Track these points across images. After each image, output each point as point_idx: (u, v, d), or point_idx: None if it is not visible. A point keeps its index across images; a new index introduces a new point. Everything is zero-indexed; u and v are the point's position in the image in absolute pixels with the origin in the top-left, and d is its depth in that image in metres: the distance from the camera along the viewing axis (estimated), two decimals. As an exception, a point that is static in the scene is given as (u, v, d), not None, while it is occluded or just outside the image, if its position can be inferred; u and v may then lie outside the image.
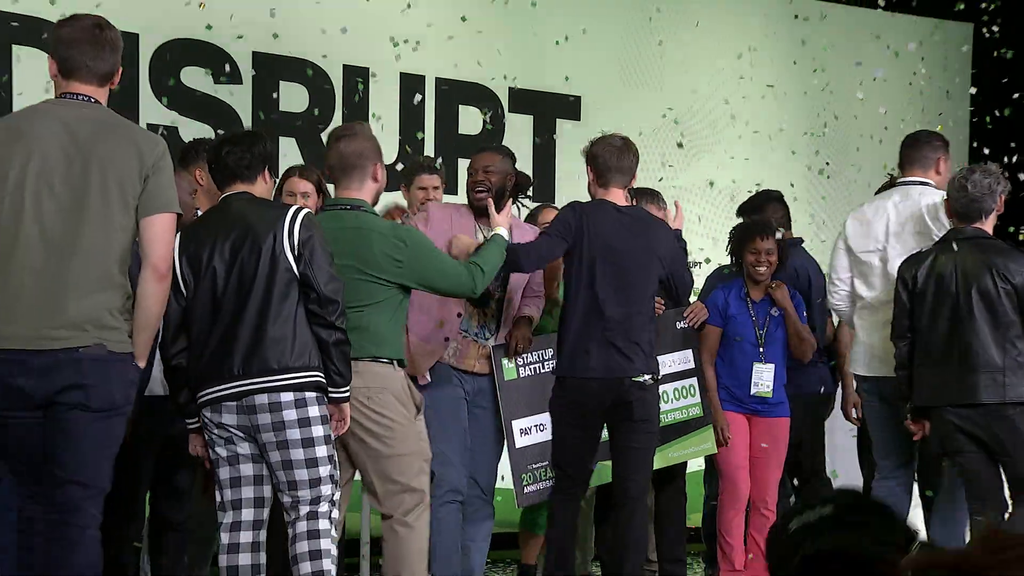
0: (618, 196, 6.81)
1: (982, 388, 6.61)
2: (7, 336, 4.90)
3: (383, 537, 6.19)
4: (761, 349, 7.46)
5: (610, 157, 6.82)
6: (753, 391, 7.45)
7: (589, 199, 6.93)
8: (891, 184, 7.81)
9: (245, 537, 5.72)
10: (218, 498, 5.77)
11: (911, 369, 6.76)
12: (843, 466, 8.62)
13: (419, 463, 6.09)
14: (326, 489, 5.65)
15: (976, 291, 6.59)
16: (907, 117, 11.14)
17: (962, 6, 10.37)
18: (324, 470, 5.62)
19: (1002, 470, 6.70)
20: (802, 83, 11.42)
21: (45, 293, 4.90)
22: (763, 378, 7.44)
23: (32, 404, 4.93)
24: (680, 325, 7.32)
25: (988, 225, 6.73)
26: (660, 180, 9.40)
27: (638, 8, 10.77)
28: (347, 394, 5.71)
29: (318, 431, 5.60)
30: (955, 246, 6.66)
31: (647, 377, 6.64)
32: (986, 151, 10.29)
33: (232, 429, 5.61)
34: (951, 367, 6.68)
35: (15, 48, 8.57)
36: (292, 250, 5.53)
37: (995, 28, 10.48)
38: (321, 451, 5.59)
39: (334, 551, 5.72)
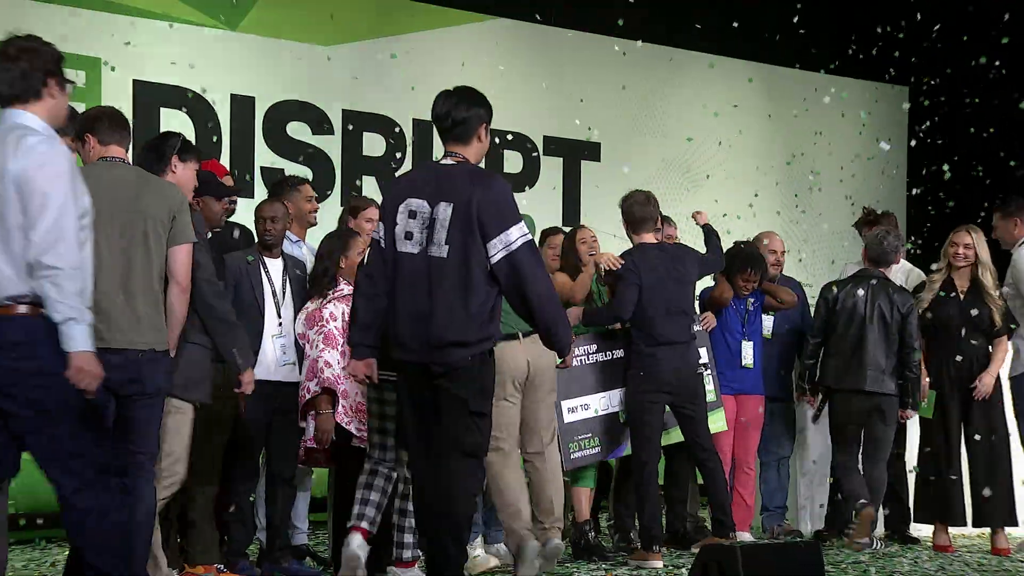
0: (650, 238, 6.93)
1: (869, 380, 7.26)
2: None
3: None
4: (744, 329, 7.45)
5: (639, 210, 6.91)
6: (742, 363, 7.38)
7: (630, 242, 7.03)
8: (868, 215, 8.15)
9: None
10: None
11: (817, 360, 7.48)
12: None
13: None
14: None
15: (877, 314, 7.27)
16: (857, 162, 11.50)
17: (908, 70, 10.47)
18: None
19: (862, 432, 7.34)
20: (775, 132, 11.58)
21: None
22: (746, 353, 7.41)
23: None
24: (696, 328, 7.17)
25: (891, 272, 7.50)
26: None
27: (644, 75, 10.81)
28: None
29: None
30: (872, 281, 7.36)
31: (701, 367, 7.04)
32: (915, 191, 10.55)
33: None
34: (852, 362, 7.32)
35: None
36: None
37: (933, 83, 10.61)
38: None
39: None
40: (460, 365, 4.82)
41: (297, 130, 9.33)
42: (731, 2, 11.14)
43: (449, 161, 5.01)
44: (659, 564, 6.53)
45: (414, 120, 9.66)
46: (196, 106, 8.76)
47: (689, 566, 5.25)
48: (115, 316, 4.69)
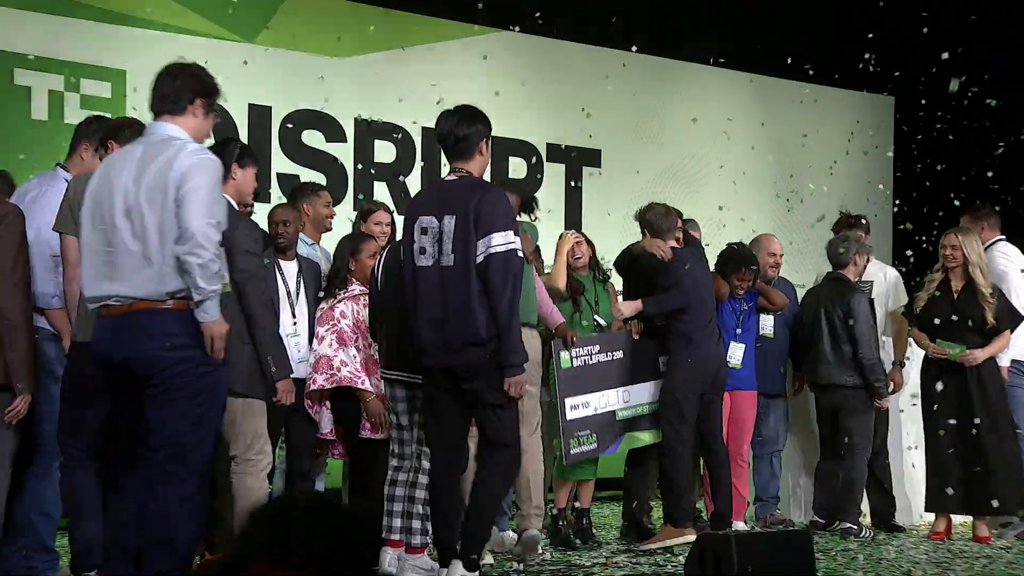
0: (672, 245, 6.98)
1: (823, 373, 7.54)
2: None
3: None
4: (738, 331, 7.42)
5: (660, 221, 6.95)
6: (728, 364, 7.30)
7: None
8: (845, 218, 8.19)
9: None
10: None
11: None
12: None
13: None
14: None
15: (824, 312, 7.51)
16: (847, 169, 11.53)
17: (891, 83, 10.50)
18: None
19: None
20: (769, 139, 11.53)
21: None
22: (735, 354, 7.38)
23: None
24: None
25: (848, 272, 7.63)
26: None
27: (644, 85, 10.84)
28: None
29: None
30: (826, 280, 7.68)
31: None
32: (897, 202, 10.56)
33: None
34: (810, 357, 7.63)
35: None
36: None
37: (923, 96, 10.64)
38: None
39: None
40: (478, 363, 5.00)
41: (312, 138, 9.36)
42: (727, 16, 11.22)
43: (453, 176, 5.17)
44: (692, 537, 6.47)
45: (423, 129, 9.67)
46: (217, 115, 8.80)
47: (686, 554, 5.29)
48: None
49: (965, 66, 10.33)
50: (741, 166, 11.37)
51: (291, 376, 5.57)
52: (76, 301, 4.97)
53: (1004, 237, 7.94)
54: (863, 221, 8.22)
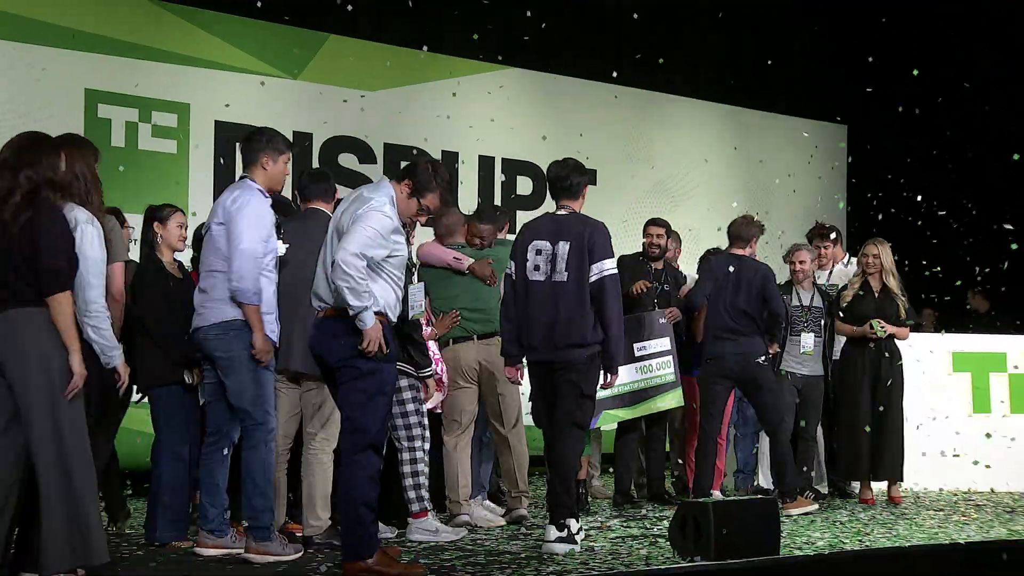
0: (741, 250, 7.07)
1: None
2: None
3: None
4: None
5: (739, 229, 7.07)
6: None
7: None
8: (820, 228, 8.13)
9: None
10: None
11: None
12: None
13: None
14: None
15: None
16: (806, 186, 11.54)
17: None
18: None
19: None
20: (739, 161, 11.55)
21: None
22: None
23: None
24: (661, 321, 7.08)
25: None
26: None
27: (633, 114, 10.83)
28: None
29: None
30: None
31: (763, 358, 6.93)
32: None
33: None
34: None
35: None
36: None
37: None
38: None
39: None
40: (577, 361, 5.31)
41: (347, 160, 9.37)
42: (705, 56, 11.28)
43: (563, 212, 5.50)
44: (814, 507, 6.76)
45: (443, 151, 9.65)
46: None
47: (670, 519, 5.31)
48: None
49: (912, 94, 10.40)
50: (717, 184, 11.34)
51: None
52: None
53: None
54: (835, 231, 8.21)
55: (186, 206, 7.30)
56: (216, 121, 8.56)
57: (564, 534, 5.23)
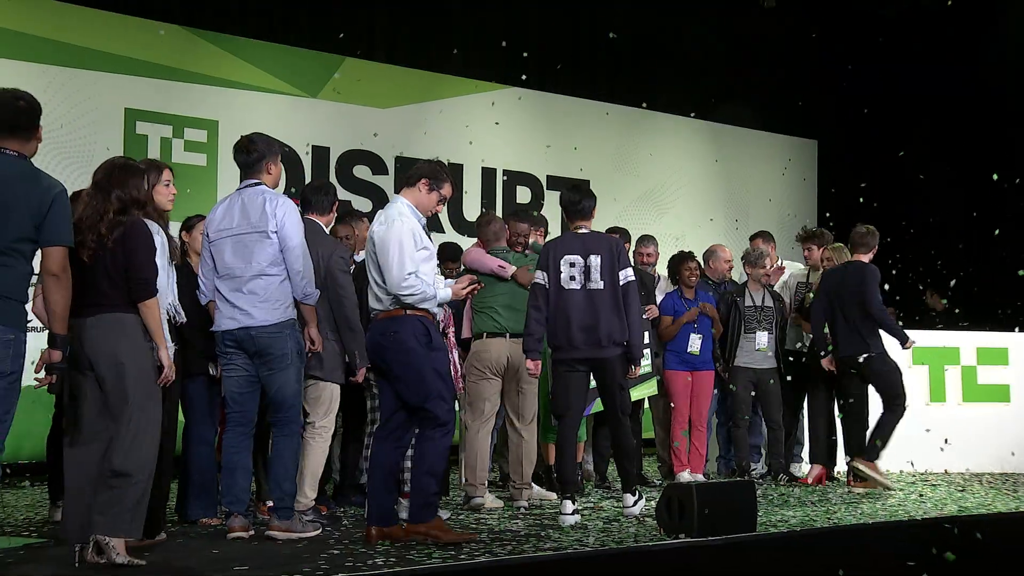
0: (859, 256, 7.18)
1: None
2: None
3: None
4: (695, 326, 7.29)
5: (858, 239, 7.19)
6: (688, 350, 7.29)
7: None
8: (807, 234, 7.90)
9: None
10: None
11: None
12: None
13: None
14: None
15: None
16: (781, 195, 11.56)
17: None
18: None
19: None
20: (720, 173, 11.54)
21: None
22: (694, 343, 7.29)
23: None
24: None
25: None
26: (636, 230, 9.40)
27: (623, 130, 10.83)
28: None
29: None
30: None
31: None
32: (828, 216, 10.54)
33: None
34: None
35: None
36: None
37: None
38: None
39: None
40: (615, 357, 5.62)
41: (361, 172, 9.36)
42: (688, 77, 11.29)
43: (583, 231, 5.77)
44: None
45: (449, 163, 9.53)
46: (287, 155, 8.77)
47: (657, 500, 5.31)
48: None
49: (875, 114, 10.43)
50: (699, 194, 11.34)
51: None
52: None
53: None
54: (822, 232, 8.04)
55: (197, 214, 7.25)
56: (243, 136, 8.54)
57: (637, 497, 5.69)
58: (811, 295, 7.51)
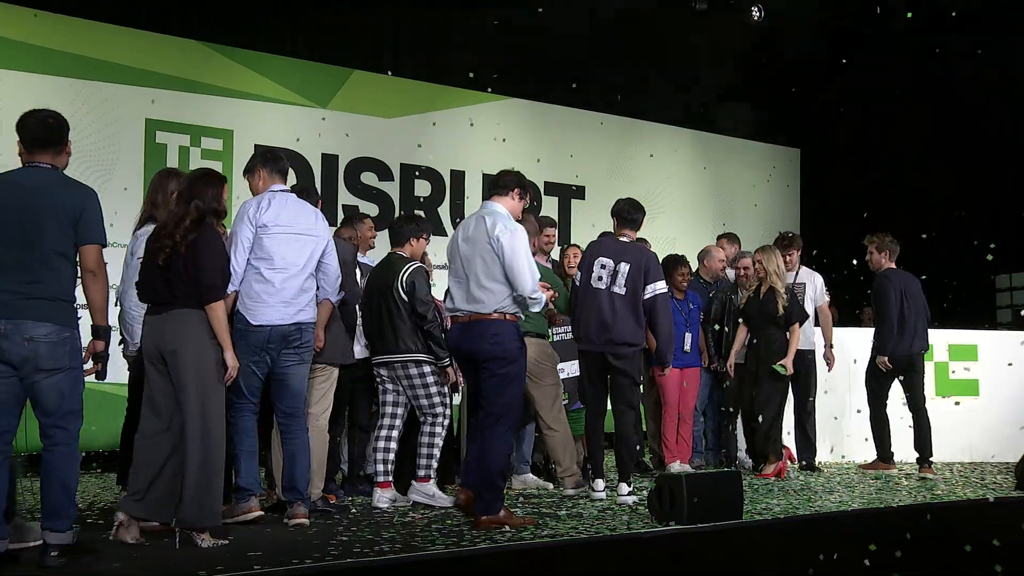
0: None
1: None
2: None
3: None
4: (687, 324, 7.30)
5: (883, 246, 7.45)
6: (683, 349, 7.25)
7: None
8: (783, 238, 7.78)
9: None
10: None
11: None
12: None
13: None
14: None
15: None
16: (766, 200, 11.53)
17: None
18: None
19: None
20: (707, 179, 11.52)
21: None
22: (685, 341, 7.28)
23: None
24: None
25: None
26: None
27: (616, 138, 10.81)
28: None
29: None
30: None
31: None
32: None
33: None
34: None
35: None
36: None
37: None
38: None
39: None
40: (628, 355, 5.80)
41: (368, 178, 9.35)
42: (679, 88, 11.28)
43: (625, 239, 5.99)
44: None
45: (451, 171, 9.63)
46: (298, 162, 8.82)
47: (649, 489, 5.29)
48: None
49: (853, 125, 10.40)
50: (688, 199, 11.32)
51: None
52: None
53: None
54: (794, 237, 8.02)
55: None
56: (256, 145, 8.52)
57: (632, 488, 5.75)
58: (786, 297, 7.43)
